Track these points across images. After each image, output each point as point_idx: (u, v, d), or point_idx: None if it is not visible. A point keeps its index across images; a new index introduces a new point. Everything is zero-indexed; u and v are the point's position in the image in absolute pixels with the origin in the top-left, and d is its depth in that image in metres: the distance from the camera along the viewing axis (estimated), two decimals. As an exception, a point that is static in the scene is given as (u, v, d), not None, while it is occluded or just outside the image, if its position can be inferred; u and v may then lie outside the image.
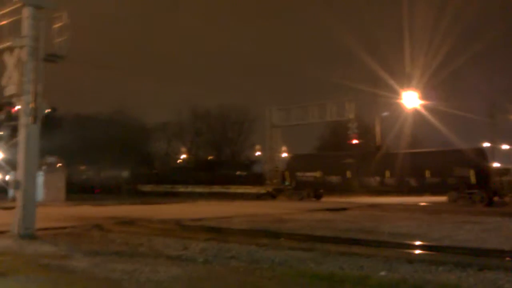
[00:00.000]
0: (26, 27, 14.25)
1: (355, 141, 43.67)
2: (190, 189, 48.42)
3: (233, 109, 76.63)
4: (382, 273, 9.24)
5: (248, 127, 77.28)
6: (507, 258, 10.66)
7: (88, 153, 58.04)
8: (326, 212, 26.18)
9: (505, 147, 63.95)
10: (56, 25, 14.79)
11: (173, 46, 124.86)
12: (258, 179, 47.64)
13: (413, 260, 10.33)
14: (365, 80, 54.38)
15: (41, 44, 14.36)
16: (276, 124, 44.64)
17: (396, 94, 47.47)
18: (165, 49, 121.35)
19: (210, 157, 74.83)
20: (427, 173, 36.63)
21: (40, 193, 30.10)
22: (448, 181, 35.19)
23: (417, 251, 11.75)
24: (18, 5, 14.41)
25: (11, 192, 27.54)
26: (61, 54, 15.03)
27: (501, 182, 37.96)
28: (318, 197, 40.88)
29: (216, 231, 15.62)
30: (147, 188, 52.34)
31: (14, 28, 14.68)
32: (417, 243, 13.06)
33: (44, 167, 33.36)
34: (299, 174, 42.71)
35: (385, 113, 54.48)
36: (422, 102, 47.12)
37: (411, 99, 46.95)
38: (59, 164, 36.85)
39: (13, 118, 15.00)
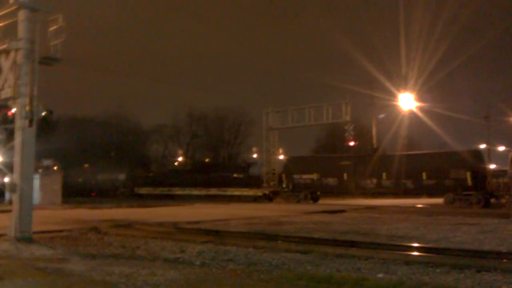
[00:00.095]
0: (21, 29, 14.21)
1: (351, 143, 43.73)
2: (187, 191, 48.34)
3: (229, 111, 76.80)
4: (380, 275, 9.24)
5: (245, 129, 77.47)
6: (504, 260, 10.64)
7: (85, 155, 58.00)
8: (323, 214, 26.18)
9: (501, 148, 64.13)
10: (52, 28, 14.75)
11: (170, 49, 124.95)
12: (255, 182, 47.61)
13: (410, 262, 10.33)
14: (361, 82, 54.62)
15: (37, 46, 14.31)
16: (272, 126, 44.66)
17: (392, 96, 47.69)
18: (162, 52, 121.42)
19: (206, 160, 74.84)
20: (424, 175, 36.68)
21: (37, 196, 30.04)
22: (445, 183, 35.25)
23: (415, 253, 11.73)
24: (14, 7, 14.37)
25: (7, 196, 27.49)
26: (57, 57, 14.99)
27: (498, 183, 38.06)
28: (315, 199, 40.87)
29: (213, 234, 15.59)
30: (144, 190, 52.27)
31: (10, 31, 14.65)
32: (414, 245, 13.05)
33: (40, 170, 33.29)
34: (296, 176, 42.72)
35: (381, 115, 54.74)
36: (418, 104, 47.32)
37: (407, 101, 47.16)
38: (56, 167, 36.79)
39: (9, 121, 14.94)
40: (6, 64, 14.52)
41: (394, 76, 49.51)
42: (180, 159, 72.77)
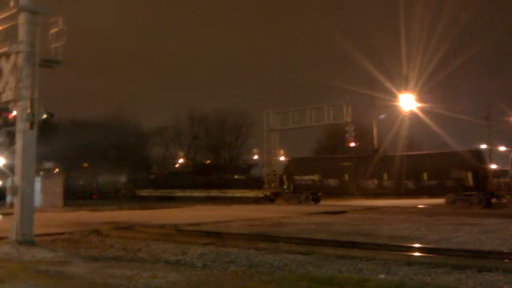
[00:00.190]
0: (22, 32, 14.21)
1: (352, 144, 43.82)
2: (188, 193, 48.38)
3: (230, 113, 76.76)
4: (381, 276, 9.23)
5: (246, 131, 77.41)
6: (506, 260, 10.64)
7: (86, 158, 57.98)
8: (325, 215, 26.17)
9: (502, 148, 64.08)
10: (53, 30, 14.76)
11: (170, 50, 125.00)
12: (256, 183, 47.62)
13: (412, 262, 10.33)
14: (362, 83, 54.65)
15: (37, 49, 14.31)
16: (273, 127, 44.69)
17: (393, 96, 47.69)
18: (163, 54, 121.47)
19: (207, 161, 74.79)
20: (425, 176, 36.70)
21: (38, 199, 30.02)
22: (446, 184, 35.24)
23: (416, 254, 11.72)
24: (14, 11, 14.38)
25: (8, 198, 27.48)
26: (57, 59, 14.99)
27: (499, 183, 38.05)
28: (316, 200, 40.88)
29: (214, 236, 15.58)
30: (145, 193, 52.29)
31: (10, 34, 14.65)
32: (416, 245, 13.04)
33: (41, 173, 33.30)
34: (297, 177, 42.73)
35: (382, 116, 54.79)
36: (419, 104, 47.30)
37: (407, 102, 47.14)
38: (57, 170, 36.80)
39: (10, 124, 14.95)
40: (7, 67, 14.52)
41: (394, 77, 49.55)
42: (181, 161, 72.77)
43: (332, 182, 41.78)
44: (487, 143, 59.99)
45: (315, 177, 42.08)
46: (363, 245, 13.03)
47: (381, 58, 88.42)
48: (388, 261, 10.53)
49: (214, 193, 46.58)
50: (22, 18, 14.23)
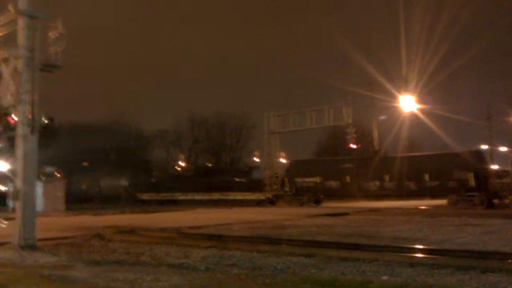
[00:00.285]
0: (21, 37, 14.19)
1: (353, 146, 43.76)
2: (189, 196, 48.35)
3: (231, 116, 76.85)
4: (384, 277, 9.22)
5: (246, 133, 77.51)
6: (509, 261, 10.62)
7: (87, 162, 58.02)
8: (327, 217, 26.15)
9: (502, 149, 64.07)
10: (52, 35, 14.75)
11: (170, 52, 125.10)
12: (257, 186, 47.60)
13: (415, 264, 10.31)
14: (362, 84, 54.66)
15: (37, 54, 14.29)
16: (274, 130, 44.67)
17: (393, 98, 47.71)
18: (163, 54, 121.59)
19: (209, 164, 74.83)
20: (426, 177, 36.73)
21: (40, 203, 29.99)
22: (448, 184, 35.24)
23: (419, 255, 11.70)
24: (13, 15, 14.37)
25: (10, 203, 27.48)
26: (57, 64, 14.98)
27: (501, 184, 38.03)
28: (317, 202, 40.84)
29: (216, 239, 15.56)
30: (146, 196, 52.28)
31: (10, 39, 14.65)
32: (419, 246, 13.03)
33: (43, 177, 33.29)
34: (298, 179, 42.76)
35: (382, 117, 54.81)
36: (419, 105, 47.32)
37: (408, 103, 47.16)
38: (58, 174, 36.79)
39: (11, 128, 14.95)
40: (7, 72, 14.51)
41: (394, 78, 49.59)
42: (182, 164, 72.79)
43: (333, 184, 41.82)
44: (488, 144, 59.99)
45: (317, 179, 42.11)
46: (365, 247, 13.00)
47: (381, 59, 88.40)
48: (391, 262, 10.52)
49: (216, 196, 46.55)
50: (21, 23, 14.22)
